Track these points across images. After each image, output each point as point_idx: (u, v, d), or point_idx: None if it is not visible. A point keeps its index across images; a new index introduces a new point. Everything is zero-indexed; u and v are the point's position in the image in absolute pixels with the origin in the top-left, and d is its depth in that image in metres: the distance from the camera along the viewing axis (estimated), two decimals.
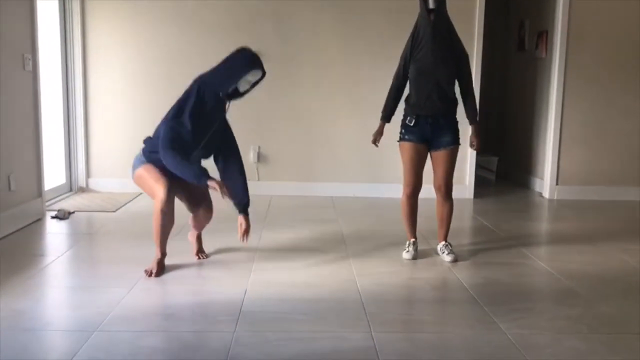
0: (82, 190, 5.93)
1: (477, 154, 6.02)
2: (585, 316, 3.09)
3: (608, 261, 4.05)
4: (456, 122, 3.96)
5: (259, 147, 5.96)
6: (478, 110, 4.04)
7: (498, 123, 7.41)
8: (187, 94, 3.55)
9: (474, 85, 4.10)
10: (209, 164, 3.67)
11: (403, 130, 3.94)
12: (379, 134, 4.05)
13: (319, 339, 2.77)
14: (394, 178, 5.72)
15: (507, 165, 7.18)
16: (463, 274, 3.71)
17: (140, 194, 5.73)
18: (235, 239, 4.32)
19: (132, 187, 5.75)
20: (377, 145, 4.08)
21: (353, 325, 2.91)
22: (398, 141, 3.97)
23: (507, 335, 2.82)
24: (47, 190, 5.18)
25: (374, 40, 5.85)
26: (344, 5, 5.83)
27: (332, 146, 6.01)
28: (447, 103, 3.90)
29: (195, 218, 3.88)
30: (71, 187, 5.91)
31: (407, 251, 4.01)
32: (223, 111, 3.64)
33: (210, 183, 3.37)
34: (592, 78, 5.99)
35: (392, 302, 3.30)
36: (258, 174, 5.96)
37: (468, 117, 3.98)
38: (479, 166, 6.32)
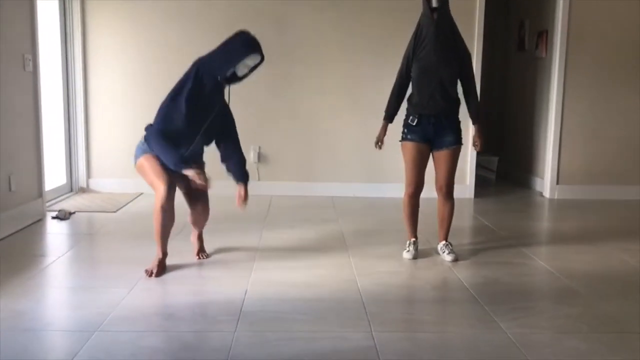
0: (83, 190, 5.94)
1: (478, 154, 6.02)
2: (586, 315, 3.09)
3: (608, 260, 4.05)
4: (458, 122, 3.95)
5: (260, 147, 5.96)
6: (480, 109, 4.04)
7: (498, 123, 7.41)
8: (186, 77, 3.53)
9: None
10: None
11: (405, 130, 3.94)
12: (382, 135, 4.03)
13: (320, 338, 2.77)
14: (394, 178, 5.72)
15: (507, 165, 7.18)
16: (463, 274, 3.71)
17: (141, 194, 5.74)
18: (236, 239, 4.33)
19: (132, 188, 5.83)
20: (380, 148, 4.05)
21: (353, 325, 2.91)
22: (400, 141, 3.97)
23: (508, 334, 2.83)
24: (48, 191, 5.18)
25: (375, 39, 5.85)
26: (344, 5, 5.83)
27: (333, 146, 6.01)
28: (449, 103, 3.89)
29: (193, 213, 3.86)
30: (72, 188, 5.91)
31: (408, 251, 4.01)
32: (221, 95, 3.62)
33: (187, 172, 3.39)
34: (592, 78, 5.99)
35: (392, 301, 3.30)
36: (258, 174, 5.97)
37: (471, 116, 3.98)
38: (479, 166, 6.32)
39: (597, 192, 6.09)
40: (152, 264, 3.59)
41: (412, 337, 2.86)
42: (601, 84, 6.01)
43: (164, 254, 3.65)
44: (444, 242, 4.05)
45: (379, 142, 4.04)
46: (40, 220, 4.81)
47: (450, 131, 3.90)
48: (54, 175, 5.55)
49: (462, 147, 4.02)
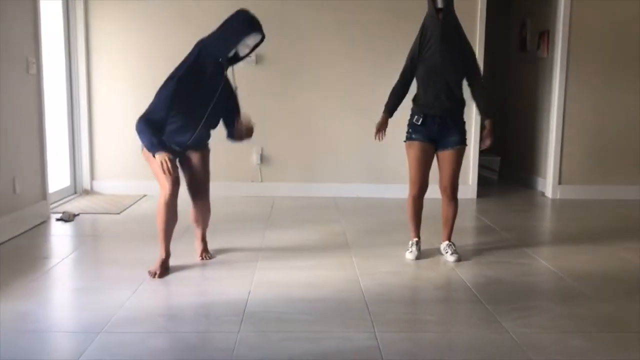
0: (87, 192, 5.95)
1: (480, 154, 6.03)
2: (589, 315, 3.10)
3: (611, 260, 4.05)
4: (463, 123, 3.96)
5: (262, 149, 5.97)
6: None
7: (500, 123, 7.40)
8: (186, 58, 3.53)
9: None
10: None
11: (410, 130, 3.93)
12: (382, 125, 3.96)
13: (323, 339, 2.78)
14: (396, 178, 5.73)
15: (509, 165, 7.18)
16: (466, 274, 3.72)
17: (145, 195, 5.75)
18: (239, 240, 4.34)
19: (136, 189, 5.85)
20: (380, 139, 3.98)
21: (356, 325, 2.92)
22: (405, 141, 3.96)
23: (511, 334, 2.83)
24: (52, 193, 5.20)
25: (377, 41, 5.86)
26: (346, 6, 5.84)
27: (335, 147, 6.02)
28: (455, 103, 3.89)
29: (194, 207, 3.85)
30: (75, 190, 5.93)
31: (410, 251, 4.02)
32: (222, 76, 3.57)
33: (158, 155, 3.35)
34: (594, 77, 5.99)
35: (395, 301, 3.31)
36: (261, 175, 5.98)
37: (482, 111, 3.93)
38: (481, 166, 6.32)
39: (599, 192, 6.09)
40: (155, 265, 3.61)
41: (415, 337, 2.86)
42: (603, 84, 6.01)
43: (167, 254, 3.66)
44: (447, 242, 4.06)
45: (379, 132, 3.95)
46: (44, 222, 4.83)
47: (455, 131, 3.90)
48: (57, 178, 5.57)
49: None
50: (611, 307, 3.21)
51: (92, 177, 5.99)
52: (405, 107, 4.02)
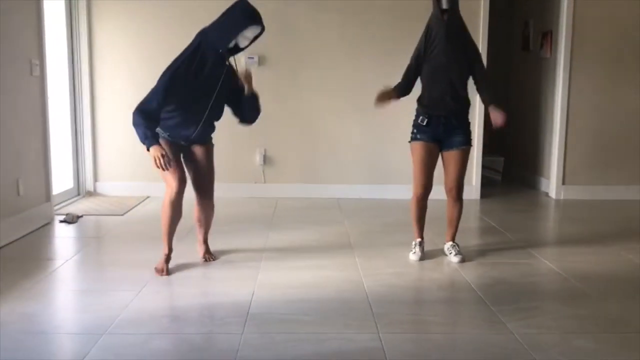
0: (90, 194, 5.96)
1: (483, 155, 6.03)
2: (593, 315, 3.09)
3: (615, 261, 4.04)
4: (468, 123, 3.95)
5: (265, 150, 5.97)
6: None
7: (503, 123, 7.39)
8: (187, 48, 3.53)
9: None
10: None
11: (415, 130, 3.93)
12: (385, 96, 3.84)
13: (327, 340, 2.78)
14: (399, 179, 5.72)
15: (513, 166, 7.17)
16: (470, 274, 3.71)
17: (148, 197, 5.76)
18: (242, 241, 4.35)
19: (139, 191, 5.85)
20: (381, 104, 3.87)
21: (360, 326, 2.92)
22: (409, 141, 3.96)
23: (515, 334, 2.83)
24: (55, 195, 5.20)
25: (379, 41, 5.85)
26: (348, 7, 5.84)
27: (338, 148, 6.02)
28: (460, 103, 3.89)
29: (198, 206, 3.85)
30: (79, 191, 5.93)
31: (414, 252, 4.01)
32: (223, 67, 3.57)
33: (152, 149, 3.33)
34: (597, 78, 5.98)
35: (399, 302, 3.30)
36: (264, 176, 5.98)
37: (488, 96, 3.86)
38: (484, 167, 6.31)
39: (603, 193, 6.07)
40: (160, 262, 3.64)
41: (419, 338, 2.86)
42: (606, 84, 6.00)
43: (170, 249, 3.68)
44: (451, 242, 4.05)
45: (382, 98, 3.85)
46: (48, 224, 4.84)
47: (460, 131, 3.89)
48: (61, 179, 5.57)
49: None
50: (615, 308, 3.20)
51: (96, 179, 5.99)
52: (410, 108, 4.02)
